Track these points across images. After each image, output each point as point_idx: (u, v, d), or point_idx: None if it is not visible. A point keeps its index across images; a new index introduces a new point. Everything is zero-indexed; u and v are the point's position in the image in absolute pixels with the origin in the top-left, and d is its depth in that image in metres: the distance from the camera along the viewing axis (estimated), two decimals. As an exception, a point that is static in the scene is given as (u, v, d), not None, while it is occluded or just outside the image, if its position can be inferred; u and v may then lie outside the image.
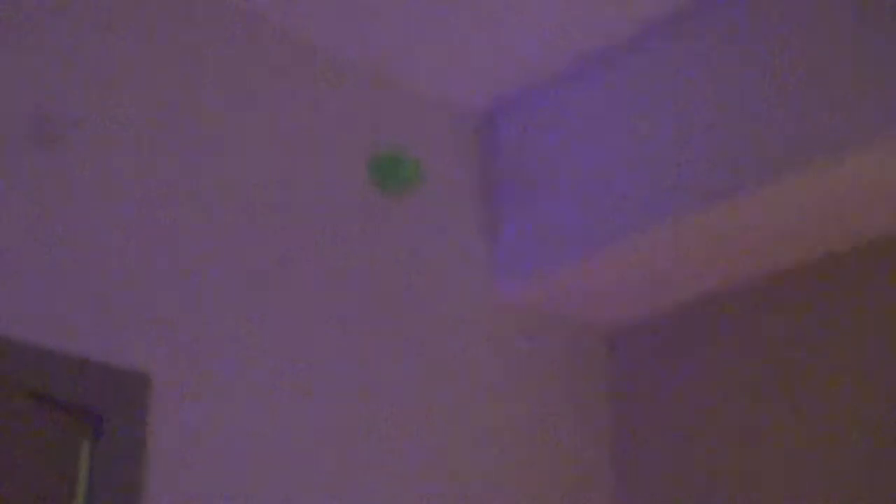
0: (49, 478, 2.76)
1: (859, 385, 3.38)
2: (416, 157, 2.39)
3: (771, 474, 3.49)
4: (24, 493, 2.68)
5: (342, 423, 3.29)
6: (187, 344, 3.07)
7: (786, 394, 3.51)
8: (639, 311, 3.85)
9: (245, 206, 3.30)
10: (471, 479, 3.51)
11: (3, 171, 2.89)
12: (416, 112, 3.80)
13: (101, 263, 2.99)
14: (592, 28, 3.63)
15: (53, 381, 2.82)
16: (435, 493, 3.42)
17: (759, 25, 3.40)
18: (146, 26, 3.25)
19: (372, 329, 3.44)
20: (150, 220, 3.10)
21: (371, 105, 3.69)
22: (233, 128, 3.34)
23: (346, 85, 3.64)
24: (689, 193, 3.35)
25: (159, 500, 2.91)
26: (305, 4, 3.47)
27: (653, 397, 3.80)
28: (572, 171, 3.70)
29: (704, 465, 3.63)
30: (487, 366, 3.67)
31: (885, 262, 3.42)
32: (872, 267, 3.43)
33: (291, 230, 3.36)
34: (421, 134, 3.78)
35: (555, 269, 3.62)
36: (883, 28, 3.11)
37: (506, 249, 3.78)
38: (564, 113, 3.79)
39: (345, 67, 3.65)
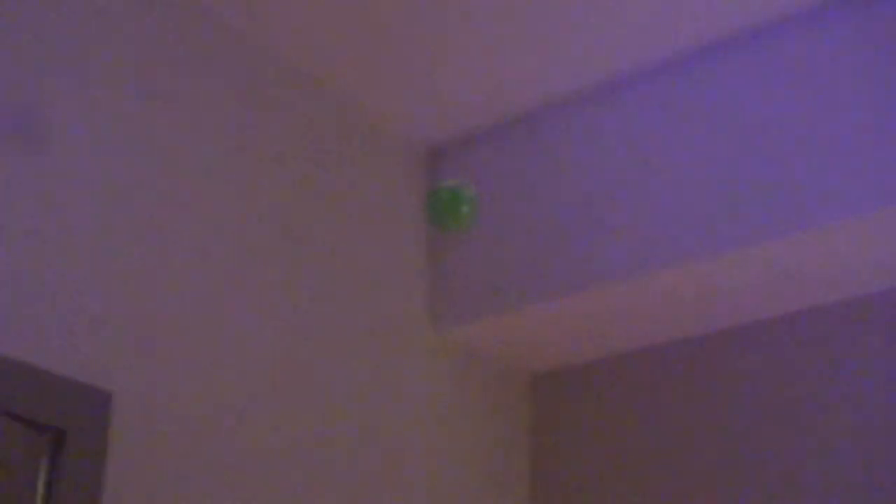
0: (6, 493, 2.70)
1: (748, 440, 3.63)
2: (474, 193, 2.34)
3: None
4: (-18, 508, 2.62)
5: (297, 444, 3.31)
6: (150, 362, 3.03)
7: (679, 438, 3.79)
8: (559, 359, 4.03)
9: (211, 225, 3.26)
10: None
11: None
12: (367, 137, 3.82)
13: (67, 279, 2.93)
14: (547, 77, 3.70)
15: (15, 393, 2.75)
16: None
17: (726, 92, 3.56)
18: (133, 30, 3.18)
19: (314, 354, 3.46)
20: (116, 238, 3.05)
21: (323, 123, 3.69)
22: (198, 139, 3.30)
23: (303, 99, 3.63)
24: (610, 264, 3.56)
25: (115, 517, 2.88)
26: (272, 15, 3.46)
27: (568, 435, 4.01)
28: (512, 219, 3.78)
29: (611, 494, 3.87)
30: (418, 399, 3.73)
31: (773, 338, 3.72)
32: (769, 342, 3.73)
33: (250, 251, 3.35)
34: (369, 161, 3.79)
35: (487, 315, 3.76)
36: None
37: (444, 290, 3.85)
38: (509, 159, 3.86)
39: (306, 82, 3.64)
